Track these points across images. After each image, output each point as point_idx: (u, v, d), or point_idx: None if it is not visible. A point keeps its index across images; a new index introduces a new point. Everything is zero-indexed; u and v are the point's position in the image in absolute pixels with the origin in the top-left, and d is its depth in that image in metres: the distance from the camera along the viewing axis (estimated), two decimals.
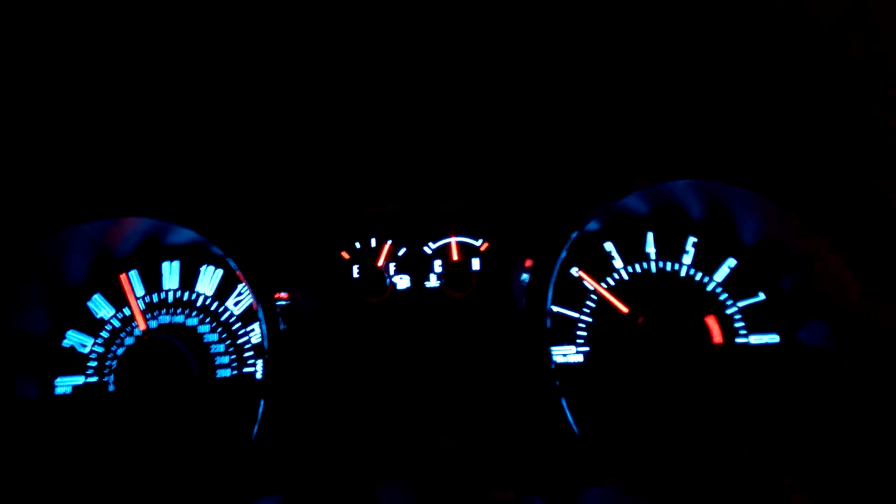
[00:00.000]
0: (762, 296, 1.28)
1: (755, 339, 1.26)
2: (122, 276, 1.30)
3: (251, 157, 1.22)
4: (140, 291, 1.31)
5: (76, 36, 0.97)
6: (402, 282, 1.30)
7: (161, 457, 1.21)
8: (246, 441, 1.10)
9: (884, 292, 1.05)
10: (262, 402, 1.12)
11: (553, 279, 1.16)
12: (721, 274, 1.29)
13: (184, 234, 1.25)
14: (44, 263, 1.20)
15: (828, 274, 1.14)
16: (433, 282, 1.30)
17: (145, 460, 1.21)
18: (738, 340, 1.26)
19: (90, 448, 1.22)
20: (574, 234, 1.17)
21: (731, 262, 1.29)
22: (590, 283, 1.29)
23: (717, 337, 1.22)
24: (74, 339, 1.29)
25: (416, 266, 1.31)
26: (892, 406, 1.04)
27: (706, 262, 1.30)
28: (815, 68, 1.01)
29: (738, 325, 1.27)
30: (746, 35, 1.02)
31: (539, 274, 1.15)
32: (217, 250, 1.22)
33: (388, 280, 1.27)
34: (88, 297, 1.31)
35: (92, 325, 1.30)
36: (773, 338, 1.26)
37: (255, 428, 1.11)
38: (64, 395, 1.27)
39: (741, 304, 1.28)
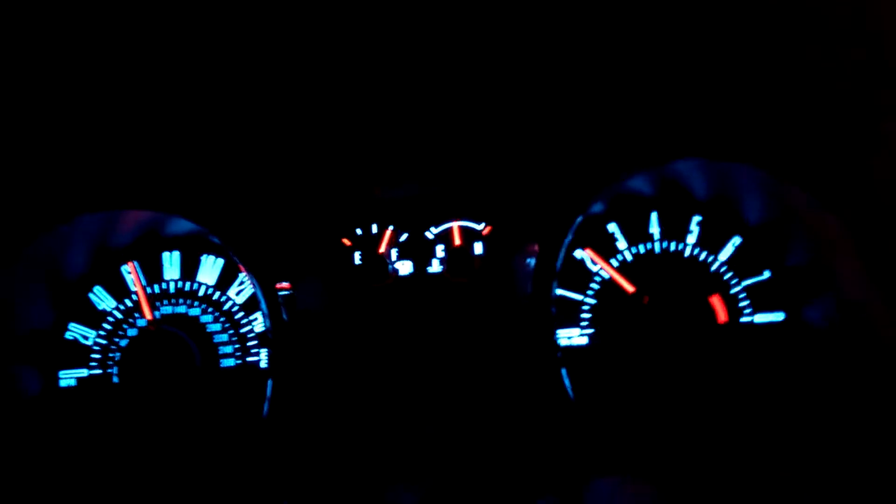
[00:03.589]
0: (767, 274, 1.27)
1: (760, 318, 1.26)
2: (130, 265, 1.29)
3: (248, 146, 1.20)
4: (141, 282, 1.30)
5: (75, 32, 0.95)
6: (405, 268, 1.29)
7: (167, 448, 1.22)
8: (255, 425, 1.10)
9: (888, 271, 1.04)
10: (269, 383, 1.12)
11: (559, 264, 1.15)
12: (726, 253, 1.28)
13: (183, 225, 1.23)
14: (43, 256, 1.19)
15: (833, 251, 1.13)
16: (436, 267, 1.29)
17: (151, 452, 1.21)
18: (743, 319, 1.26)
19: (96, 440, 1.23)
20: (579, 218, 1.16)
21: (737, 240, 1.28)
22: (597, 263, 1.28)
23: (722, 316, 1.22)
24: (77, 331, 1.29)
25: (419, 252, 1.29)
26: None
27: (711, 241, 1.29)
28: (816, 46, 0.99)
29: (742, 304, 1.26)
30: (746, 16, 1.00)
31: (544, 258, 1.14)
32: (216, 240, 1.21)
33: (390, 266, 1.26)
34: (89, 289, 1.30)
35: (93, 317, 1.29)
36: (779, 316, 1.25)
37: (266, 406, 1.11)
38: (69, 388, 1.27)
39: (746, 282, 1.27)
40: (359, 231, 1.30)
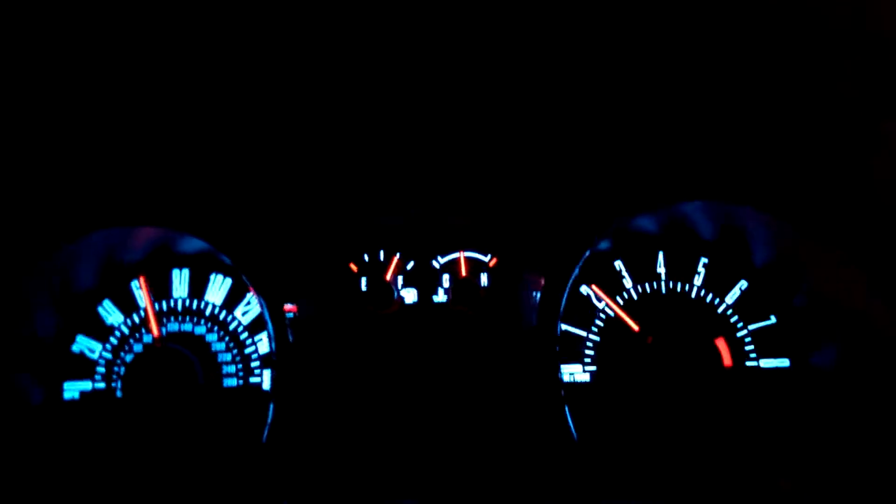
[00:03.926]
0: (773, 319, 1.26)
1: (766, 363, 1.24)
2: (141, 280, 1.30)
3: (261, 168, 1.22)
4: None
5: (91, 51, 0.97)
6: (410, 295, 1.30)
7: (166, 464, 1.21)
8: (255, 446, 1.11)
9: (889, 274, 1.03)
10: (271, 406, 1.13)
11: (564, 298, 1.15)
12: (732, 296, 1.28)
13: (194, 243, 1.25)
14: (55, 269, 1.21)
15: (840, 295, 1.13)
16: (441, 296, 1.30)
17: (151, 467, 1.21)
18: (749, 364, 1.25)
19: (96, 453, 1.23)
20: (587, 253, 1.16)
21: (743, 283, 1.28)
22: (602, 299, 1.28)
23: (727, 360, 1.21)
24: (84, 344, 1.30)
25: (425, 280, 1.30)
26: None
27: (717, 284, 1.28)
28: (816, 46, 0.99)
29: (748, 348, 1.25)
30: (755, 56, 1.01)
31: (550, 292, 1.15)
32: (227, 260, 1.22)
33: (395, 294, 1.26)
34: (98, 303, 1.32)
35: (101, 331, 1.31)
36: (784, 362, 1.24)
37: (266, 431, 1.11)
38: (72, 401, 1.27)
39: (752, 327, 1.26)
40: (366, 257, 1.31)
